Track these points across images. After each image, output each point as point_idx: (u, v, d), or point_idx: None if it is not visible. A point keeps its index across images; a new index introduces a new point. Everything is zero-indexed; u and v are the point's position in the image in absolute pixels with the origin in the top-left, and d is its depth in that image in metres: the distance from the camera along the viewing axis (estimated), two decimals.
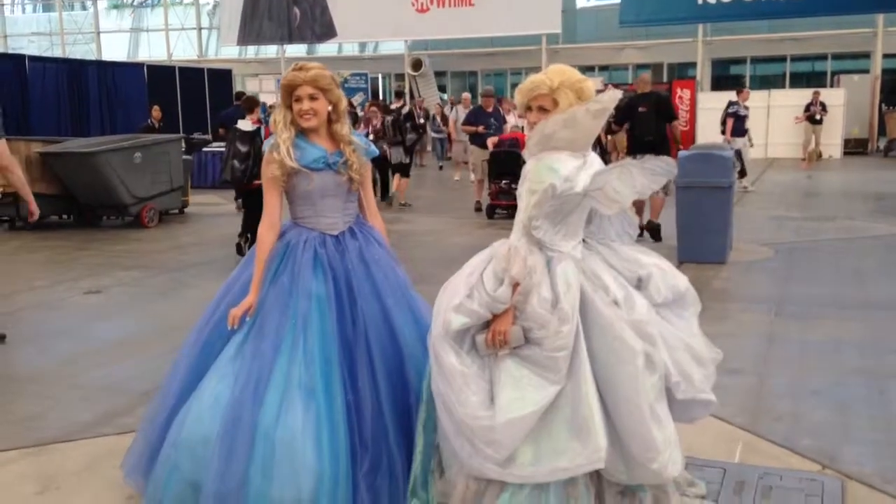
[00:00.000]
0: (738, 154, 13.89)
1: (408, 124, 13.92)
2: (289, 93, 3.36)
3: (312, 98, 3.34)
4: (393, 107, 15.18)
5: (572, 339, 2.81)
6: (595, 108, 2.94)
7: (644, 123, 9.75)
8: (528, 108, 3.06)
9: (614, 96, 2.96)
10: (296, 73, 3.35)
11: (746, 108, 15.41)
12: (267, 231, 3.37)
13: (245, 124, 9.04)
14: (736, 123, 15.09)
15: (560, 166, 2.90)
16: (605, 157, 12.96)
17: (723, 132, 15.28)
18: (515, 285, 2.84)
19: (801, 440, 4.07)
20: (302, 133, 3.39)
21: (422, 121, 16.42)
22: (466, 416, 2.79)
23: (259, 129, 8.99)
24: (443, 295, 2.98)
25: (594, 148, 3.19)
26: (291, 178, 3.36)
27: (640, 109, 9.82)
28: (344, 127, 3.44)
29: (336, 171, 3.39)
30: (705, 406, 3.08)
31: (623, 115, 9.92)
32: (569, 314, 2.82)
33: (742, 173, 14.20)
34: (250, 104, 10.03)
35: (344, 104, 3.46)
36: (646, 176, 2.91)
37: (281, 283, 3.33)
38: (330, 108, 3.39)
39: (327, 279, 3.31)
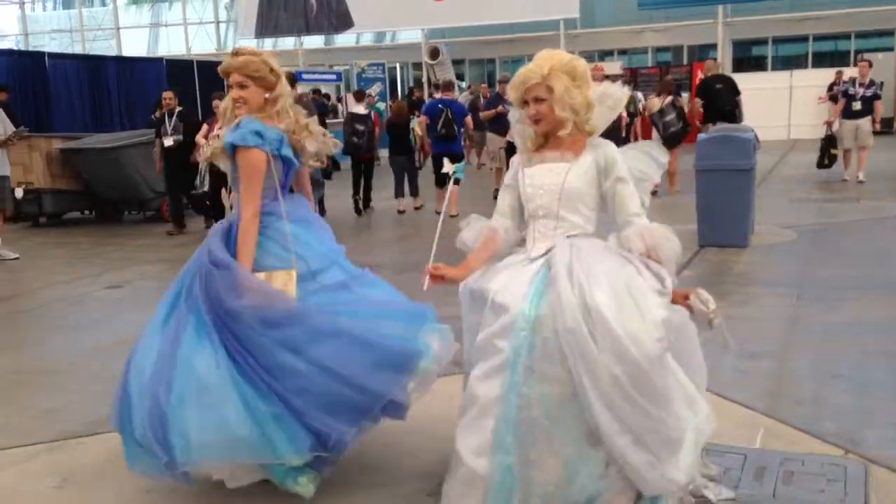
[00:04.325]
0: (830, 140, 12.88)
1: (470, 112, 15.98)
2: (226, 80, 3.34)
3: (241, 86, 3.30)
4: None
5: None
6: (608, 103, 3.13)
7: (723, 97, 12.03)
8: (525, 102, 3.03)
9: (624, 92, 3.16)
10: (227, 60, 3.33)
11: (869, 83, 12.81)
12: (253, 220, 3.33)
13: (359, 109, 12.54)
14: (848, 104, 12.77)
15: None
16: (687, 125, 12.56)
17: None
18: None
19: (823, 424, 4.01)
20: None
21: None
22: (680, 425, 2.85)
23: (369, 112, 12.88)
24: (622, 315, 2.72)
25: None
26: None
27: (718, 86, 12.18)
28: (284, 117, 3.39)
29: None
30: None
31: (701, 91, 12.44)
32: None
33: (823, 163, 12.91)
34: (361, 95, 13.61)
35: (284, 96, 3.39)
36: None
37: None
38: (267, 95, 3.33)
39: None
